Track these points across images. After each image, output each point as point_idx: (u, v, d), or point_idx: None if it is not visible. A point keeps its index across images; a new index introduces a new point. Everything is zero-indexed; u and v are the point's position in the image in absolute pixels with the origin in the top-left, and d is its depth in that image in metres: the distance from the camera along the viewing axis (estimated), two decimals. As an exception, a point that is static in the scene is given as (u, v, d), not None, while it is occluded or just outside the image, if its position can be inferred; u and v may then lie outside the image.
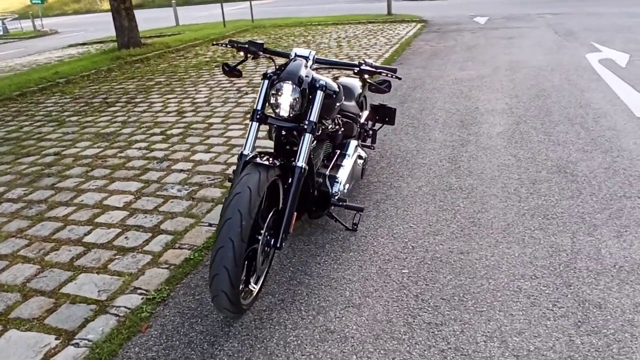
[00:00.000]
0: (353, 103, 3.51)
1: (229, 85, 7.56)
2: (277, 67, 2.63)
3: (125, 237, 3.24)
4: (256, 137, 2.61)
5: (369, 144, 3.78)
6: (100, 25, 22.83)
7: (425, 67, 7.77)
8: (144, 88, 7.87)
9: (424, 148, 4.44)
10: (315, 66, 2.74)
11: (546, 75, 6.64)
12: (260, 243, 2.32)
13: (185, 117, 6.00)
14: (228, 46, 2.83)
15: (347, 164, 3.21)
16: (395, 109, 4.15)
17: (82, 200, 3.83)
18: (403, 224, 3.19)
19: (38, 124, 6.26)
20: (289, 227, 2.45)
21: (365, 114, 3.96)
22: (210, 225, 3.32)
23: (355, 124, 3.48)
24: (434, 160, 4.16)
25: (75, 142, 5.35)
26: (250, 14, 17.02)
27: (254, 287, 2.51)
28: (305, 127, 2.50)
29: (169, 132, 5.42)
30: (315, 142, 2.87)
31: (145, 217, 3.49)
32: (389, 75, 2.70)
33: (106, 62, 10.38)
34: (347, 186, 3.12)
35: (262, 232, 2.32)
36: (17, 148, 5.31)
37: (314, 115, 2.52)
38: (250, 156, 2.37)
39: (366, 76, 2.75)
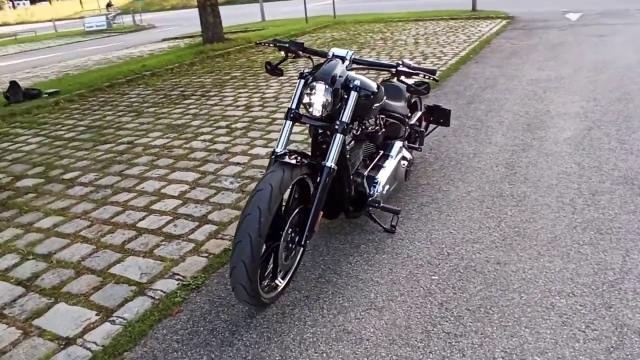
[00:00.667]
0: (402, 104, 3.46)
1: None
2: (314, 66, 2.66)
3: (174, 225, 3.43)
4: (289, 136, 2.67)
5: (416, 146, 3.71)
6: (194, 21, 23.98)
7: (501, 67, 7.44)
8: (220, 82, 8.21)
9: (482, 152, 4.27)
10: (354, 66, 2.73)
11: (633, 77, 6.12)
12: (282, 240, 2.37)
13: (251, 111, 6.20)
14: (271, 45, 2.91)
15: (389, 165, 3.18)
16: (449, 111, 4.04)
17: (143, 188, 4.10)
18: (443, 229, 3.11)
19: (119, 113, 6.76)
20: (314, 226, 2.48)
21: (418, 115, 3.89)
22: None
23: (403, 125, 3.43)
24: (490, 164, 4.00)
25: (148, 132, 5.72)
26: (333, 10, 17.13)
27: (280, 282, 2.58)
28: (337, 127, 2.52)
29: (233, 126, 5.64)
30: (353, 142, 2.87)
31: (196, 206, 3.68)
32: (427, 77, 2.64)
33: (190, 56, 10.94)
34: (387, 187, 3.10)
35: (285, 229, 2.37)
36: (97, 136, 5.77)
37: (346, 116, 2.53)
38: (280, 154, 2.42)
39: (403, 77, 2.71)
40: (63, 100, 7.88)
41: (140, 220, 3.55)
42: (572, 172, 3.72)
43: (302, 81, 2.64)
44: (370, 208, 3.00)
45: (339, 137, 2.52)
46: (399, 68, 2.63)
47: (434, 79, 2.63)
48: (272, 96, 6.89)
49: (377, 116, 3.07)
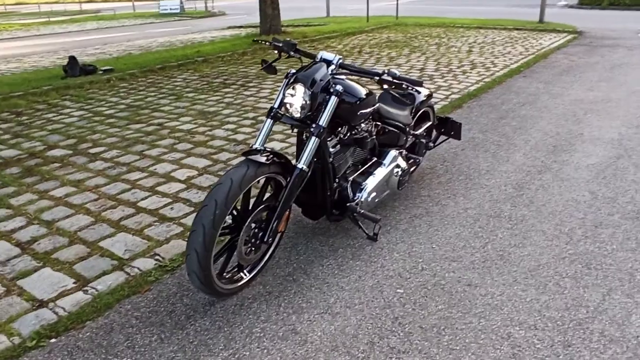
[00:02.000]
0: (405, 112, 3.42)
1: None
2: (301, 67, 2.69)
3: (171, 208, 3.57)
4: (268, 134, 2.71)
5: (416, 156, 3.65)
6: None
7: (548, 83, 7.13)
8: (263, 74, 8.36)
9: (496, 169, 4.14)
10: (342, 71, 2.73)
11: (688, 108, 5.70)
12: (242, 233, 2.42)
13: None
14: (267, 43, 2.95)
15: (379, 173, 3.16)
16: (460, 124, 3.95)
17: (156, 169, 4.28)
18: (426, 244, 3.06)
19: (160, 96, 7.04)
20: (279, 224, 2.52)
21: (426, 125, 3.82)
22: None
23: (403, 134, 3.39)
24: (499, 183, 3.87)
25: (180, 116, 5.94)
26: (396, 11, 16.95)
27: (245, 275, 2.64)
28: (312, 129, 2.54)
29: (260, 118, 5.75)
30: (338, 146, 2.87)
31: (197, 192, 3.80)
32: (410, 87, 2.60)
33: (244, 45, 11.19)
34: (373, 195, 3.08)
35: (246, 224, 2.42)
36: (133, 115, 6.05)
37: (323, 120, 2.54)
38: (248, 150, 2.47)
39: (385, 86, 2.68)
40: (115, 78, 8.29)
41: (142, 199, 3.71)
42: (582, 201, 3.54)
43: (286, 81, 2.67)
44: (354, 213, 3.00)
45: (313, 140, 2.54)
46: (382, 77, 2.60)
47: (416, 90, 2.59)
48: (307, 92, 6.94)
49: (370, 122, 3.05)
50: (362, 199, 3.00)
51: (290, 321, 2.42)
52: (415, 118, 3.69)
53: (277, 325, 2.40)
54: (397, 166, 3.29)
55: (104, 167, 4.38)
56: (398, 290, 2.62)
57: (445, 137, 4.11)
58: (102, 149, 4.86)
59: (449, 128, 4.02)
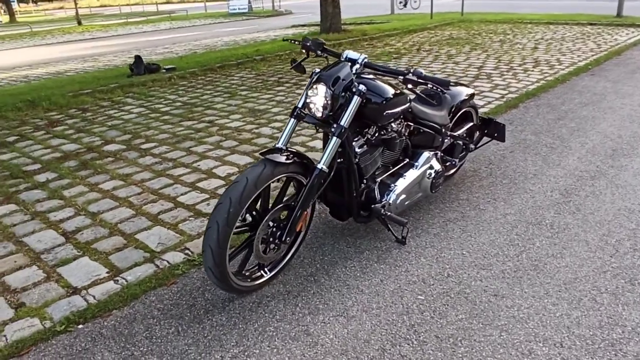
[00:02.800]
0: (441, 113, 3.30)
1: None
2: (324, 67, 2.66)
3: (207, 204, 3.66)
4: (291, 133, 2.71)
5: (452, 158, 3.51)
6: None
7: (617, 82, 6.65)
8: (317, 72, 8.38)
9: (544, 173, 3.91)
10: (366, 71, 2.68)
11: None
12: (258, 232, 2.43)
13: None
14: (297, 42, 2.95)
15: (411, 174, 3.07)
16: (504, 125, 3.76)
17: (199, 165, 4.40)
18: (456, 249, 2.94)
19: (216, 94, 7.25)
20: (296, 224, 2.51)
21: (467, 126, 3.67)
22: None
23: (438, 135, 3.28)
24: (545, 189, 3.66)
25: (231, 113, 6.08)
26: (461, 7, 16.46)
27: (265, 274, 2.65)
28: (333, 130, 2.51)
29: (307, 116, 5.76)
30: (365, 146, 2.82)
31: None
32: (435, 87, 2.50)
33: (303, 44, 11.25)
34: (402, 197, 3.00)
35: (262, 223, 2.43)
36: (187, 112, 6.27)
37: (344, 120, 2.50)
38: (267, 150, 2.48)
39: (410, 86, 2.59)
40: (176, 76, 8.62)
41: (182, 194, 3.83)
42: (636, 210, 3.27)
43: (310, 80, 2.65)
44: (381, 216, 2.94)
45: (334, 141, 2.51)
46: (406, 76, 2.52)
47: (440, 90, 2.49)
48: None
49: (401, 123, 2.97)
50: (391, 201, 2.93)
51: (305, 322, 2.41)
52: (455, 119, 3.56)
53: (291, 325, 2.39)
54: (431, 168, 3.18)
55: (152, 162, 4.56)
56: (419, 297, 2.54)
57: (489, 139, 3.93)
58: (153, 144, 5.06)
59: (493, 129, 3.84)
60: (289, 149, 2.57)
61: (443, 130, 3.29)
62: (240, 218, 2.41)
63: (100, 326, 2.46)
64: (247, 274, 2.60)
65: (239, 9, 29.62)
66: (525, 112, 5.56)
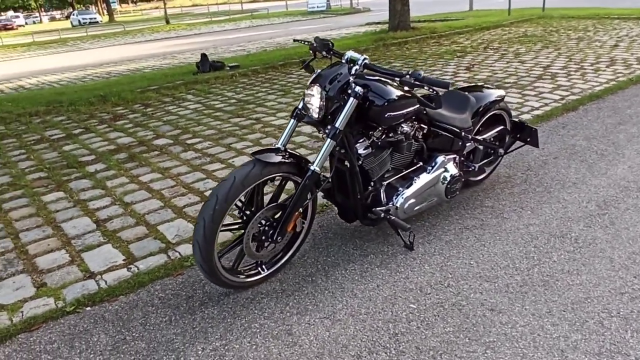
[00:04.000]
0: (462, 115, 3.17)
1: (448, 77, 7.36)
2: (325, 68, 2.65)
3: (231, 199, 3.76)
4: (291, 134, 2.72)
5: (472, 163, 3.34)
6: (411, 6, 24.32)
7: (701, 83, 6.01)
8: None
9: (585, 182, 3.64)
10: (367, 72, 2.63)
11: None
12: (248, 230, 2.48)
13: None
14: (304, 43, 2.95)
15: (422, 179, 2.98)
16: (535, 130, 3.54)
17: (234, 162, 4.54)
18: (465, 259, 2.82)
19: (271, 91, 7.41)
20: (286, 224, 2.53)
21: (495, 130, 3.50)
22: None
23: (458, 138, 3.15)
24: (581, 199, 3.40)
25: (278, 111, 6.20)
26: (542, 2, 15.55)
27: (263, 271, 2.70)
28: (327, 131, 2.49)
29: (350, 116, 5.74)
30: (370, 148, 2.77)
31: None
32: (432, 91, 2.40)
33: (368, 42, 11.21)
34: (411, 202, 2.92)
35: (252, 221, 2.47)
36: (238, 109, 6.46)
37: (339, 122, 2.48)
38: (259, 150, 2.51)
39: (406, 88, 2.50)
40: (238, 74, 8.90)
41: (209, 189, 3.97)
42: (679, 228, 2.96)
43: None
44: (386, 219, 2.88)
45: (327, 142, 2.50)
46: (402, 79, 2.44)
47: (436, 93, 2.39)
48: (410, 90, 6.75)
49: (414, 125, 2.89)
50: (398, 205, 2.86)
51: (290, 321, 2.42)
52: (482, 122, 3.40)
53: (277, 323, 2.42)
54: (446, 173, 3.06)
55: (192, 157, 4.76)
56: (411, 305, 2.47)
57: (521, 144, 3.71)
58: (197, 140, 5.28)
59: (526, 134, 3.62)
60: (287, 150, 2.59)
61: (463, 133, 3.15)
62: (238, 214, 2.48)
63: (104, 310, 2.62)
64: (242, 270, 2.65)
65: (317, 7, 29.98)
66: (584, 115, 5.18)
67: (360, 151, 2.72)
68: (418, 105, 2.81)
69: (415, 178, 2.98)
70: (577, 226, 3.07)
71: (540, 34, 10.76)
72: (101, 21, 46.15)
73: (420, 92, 2.81)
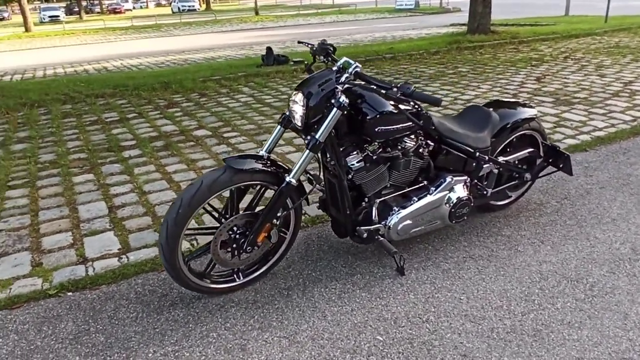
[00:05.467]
0: (481, 134, 2.89)
1: (513, 87, 6.86)
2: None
3: (240, 198, 3.71)
4: (277, 140, 2.61)
5: (484, 187, 3.02)
6: (507, 8, 23.18)
7: None
8: (433, 76, 7.95)
9: (628, 220, 3.20)
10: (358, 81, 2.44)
11: None
12: (215, 237, 2.40)
13: (428, 109, 5.90)
14: (307, 45, 2.81)
15: (423, 199, 2.76)
16: (568, 156, 3.16)
17: (258, 159, 4.49)
18: (456, 292, 2.57)
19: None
20: (257, 235, 2.43)
21: (523, 152, 3.16)
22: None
23: (472, 158, 2.88)
24: (616, 239, 3.00)
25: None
26: (648, 10, 14.13)
27: (238, 278, 2.62)
28: (307, 142, 2.35)
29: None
30: (363, 162, 2.58)
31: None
32: (416, 107, 2.17)
33: (441, 44, 10.76)
34: (407, 223, 2.71)
35: (219, 228, 2.39)
36: (284, 105, 6.42)
37: (319, 133, 2.33)
38: (232, 156, 2.41)
39: (391, 102, 2.28)
40: (300, 69, 8.88)
41: (225, 185, 3.95)
42: None
43: (298, 87, 2.51)
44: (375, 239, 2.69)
45: (305, 154, 2.36)
46: (388, 92, 2.23)
47: (425, 111, 2.16)
48: (467, 98, 6.37)
49: (418, 141, 2.67)
50: (391, 225, 2.67)
51: (249, 336, 2.32)
52: (505, 142, 3.09)
53: (235, 336, 2.33)
54: (452, 195, 2.81)
55: (222, 150, 4.78)
56: (378, 337, 2.28)
57: (554, 170, 3.32)
58: (235, 134, 5.31)
59: (559, 160, 3.24)
60: (269, 157, 2.48)
61: (478, 154, 2.87)
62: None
63: (83, 297, 2.67)
64: (214, 275, 2.59)
65: (405, 4, 29.40)
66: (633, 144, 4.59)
67: (351, 164, 2.55)
68: (422, 121, 2.58)
69: (414, 198, 2.76)
70: (598, 270, 2.70)
71: (635, 46, 9.76)
72: (199, 9, 48.28)
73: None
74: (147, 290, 2.71)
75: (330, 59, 2.64)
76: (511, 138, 3.12)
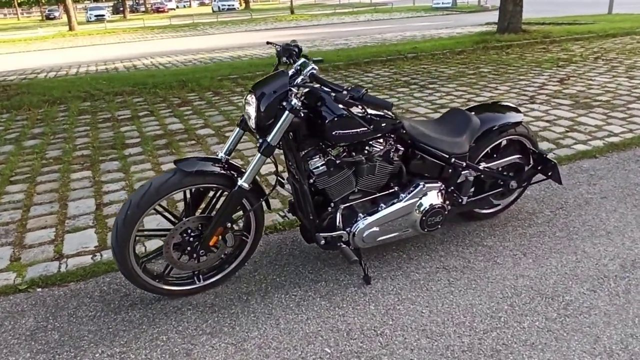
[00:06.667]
0: (458, 139, 2.76)
1: (532, 89, 6.59)
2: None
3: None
4: (236, 143, 2.56)
5: (461, 195, 2.87)
6: (545, 6, 22.46)
7: None
8: (452, 76, 7.74)
9: (624, 234, 3.00)
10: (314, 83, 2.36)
11: None
12: (166, 239, 2.37)
13: (437, 112, 5.73)
14: (275, 45, 2.75)
15: (392, 206, 2.65)
16: (555, 164, 2.98)
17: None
18: (420, 305, 2.46)
19: (336, 89, 7.20)
20: (208, 237, 2.39)
21: (507, 158, 3.00)
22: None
23: (447, 164, 2.75)
24: (606, 254, 2.81)
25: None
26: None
27: (199, 281, 2.59)
28: (258, 145, 2.30)
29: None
30: (326, 166, 2.49)
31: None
32: (363, 111, 2.07)
33: (467, 44, 10.48)
34: (374, 230, 2.61)
35: (171, 230, 2.37)
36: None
37: (271, 137, 2.27)
38: (182, 158, 2.38)
39: (340, 106, 2.19)
40: (319, 68, 8.80)
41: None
42: None
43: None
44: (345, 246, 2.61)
45: (257, 157, 2.32)
46: (337, 95, 2.14)
47: (393, 115, 2.06)
48: (481, 99, 6.16)
49: (386, 145, 2.57)
50: (356, 232, 2.58)
51: (197, 341, 2.29)
52: (488, 148, 2.94)
53: (183, 340, 2.30)
54: (423, 202, 2.69)
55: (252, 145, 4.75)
56: (326, 349, 2.20)
57: (543, 178, 3.14)
58: (236, 133, 5.28)
59: (545, 167, 3.06)
60: (227, 160, 2.44)
61: (453, 160, 2.74)
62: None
63: (50, 294, 2.70)
64: (173, 277, 2.56)
65: (442, 3, 28.89)
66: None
67: (313, 168, 2.47)
68: (384, 124, 2.48)
69: (382, 204, 2.65)
70: (578, 288, 2.53)
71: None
72: (238, 8, 48.92)
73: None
74: (112, 289, 2.71)
75: (292, 60, 2.57)
76: (495, 144, 2.97)
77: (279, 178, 2.68)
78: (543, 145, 4.47)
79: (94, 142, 5.24)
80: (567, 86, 6.61)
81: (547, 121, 5.19)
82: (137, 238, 2.35)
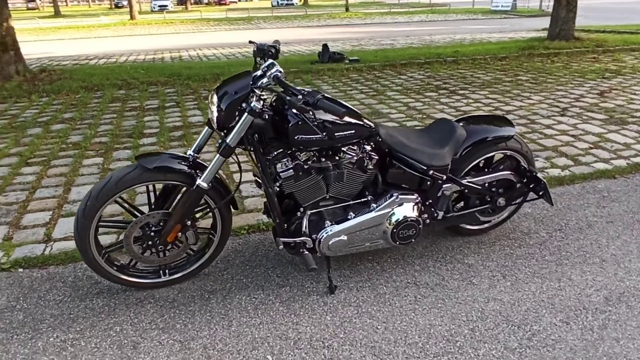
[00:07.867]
0: (439, 150, 2.65)
1: (567, 101, 6.26)
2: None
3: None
4: (204, 142, 2.56)
5: (437, 210, 2.74)
6: (601, 13, 21.40)
7: None
8: (487, 82, 7.46)
9: (620, 264, 2.80)
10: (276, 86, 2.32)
11: None
12: (125, 232, 2.41)
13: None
14: (255, 44, 2.71)
15: (362, 215, 2.58)
16: (544, 183, 2.80)
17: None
18: (376, 320, 2.38)
19: (365, 90, 7.11)
20: (166, 234, 2.40)
21: (494, 174, 2.86)
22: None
23: (425, 176, 2.64)
24: (593, 283, 2.62)
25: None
26: None
27: (164, 275, 2.63)
28: (218, 145, 2.29)
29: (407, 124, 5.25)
30: (293, 170, 2.45)
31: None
32: (312, 117, 2.01)
33: (512, 49, 10.10)
34: (341, 239, 2.55)
35: (130, 224, 2.40)
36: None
37: (230, 137, 2.26)
38: (144, 153, 2.40)
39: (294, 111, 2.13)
40: (353, 68, 8.75)
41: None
42: (694, 360, 2.10)
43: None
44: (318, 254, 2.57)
45: (216, 158, 2.32)
46: (291, 99, 2.08)
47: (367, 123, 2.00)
48: (509, 109, 5.91)
49: (360, 153, 2.50)
50: (321, 239, 2.52)
51: (147, 335, 2.31)
52: (474, 162, 2.81)
53: (136, 332, 2.33)
54: (396, 213, 2.60)
55: (229, 145, 4.80)
56: (267, 357, 2.17)
57: (535, 197, 2.96)
58: (251, 129, 5.31)
59: (536, 185, 2.88)
60: (195, 158, 2.45)
61: (432, 172, 2.63)
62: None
63: (28, 275, 2.80)
64: (139, 270, 2.60)
65: (501, 6, 27.99)
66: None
67: (280, 172, 2.43)
68: (352, 131, 2.41)
69: (352, 213, 2.58)
70: (551, 318, 2.37)
71: None
72: (296, 3, 49.27)
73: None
74: (85, 275, 2.78)
75: (264, 61, 2.53)
76: (485, 157, 2.83)
77: (257, 179, 2.66)
78: (560, 162, 4.23)
79: (115, 130, 5.40)
80: (606, 99, 6.23)
81: (573, 135, 4.91)
82: (99, 229, 2.39)
